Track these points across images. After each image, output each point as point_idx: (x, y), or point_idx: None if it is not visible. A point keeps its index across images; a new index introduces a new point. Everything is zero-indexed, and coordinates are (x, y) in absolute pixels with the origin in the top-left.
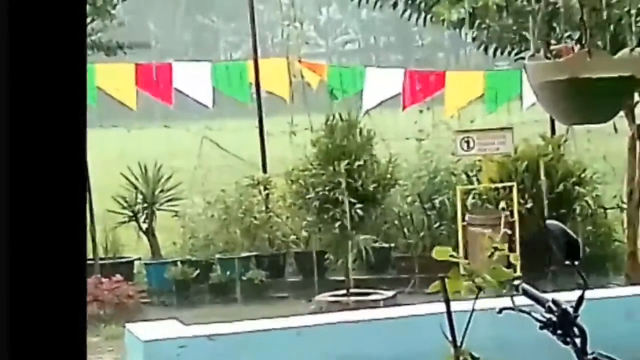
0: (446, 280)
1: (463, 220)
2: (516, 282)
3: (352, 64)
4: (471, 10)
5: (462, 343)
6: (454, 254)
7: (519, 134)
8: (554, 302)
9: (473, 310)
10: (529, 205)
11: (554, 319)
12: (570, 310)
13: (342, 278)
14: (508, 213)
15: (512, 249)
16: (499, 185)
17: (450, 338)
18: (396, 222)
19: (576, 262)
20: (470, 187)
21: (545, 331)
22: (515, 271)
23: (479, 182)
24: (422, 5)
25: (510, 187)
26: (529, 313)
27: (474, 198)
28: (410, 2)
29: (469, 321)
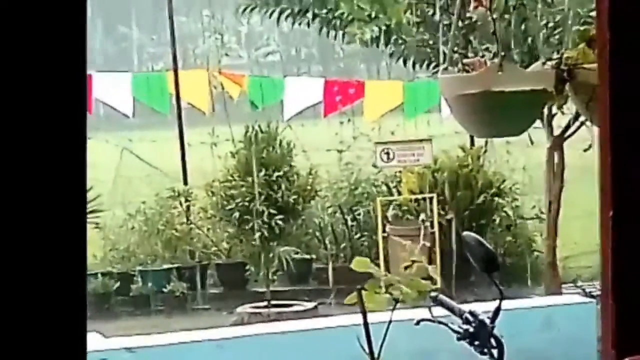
0: (363, 292)
1: (383, 231)
2: (434, 294)
3: (273, 74)
4: (385, 28)
5: (379, 355)
6: (371, 265)
7: (438, 145)
8: (471, 313)
9: (390, 321)
10: (449, 217)
11: (471, 329)
12: (487, 321)
13: (263, 289)
14: (428, 224)
15: (432, 260)
16: (419, 196)
17: (367, 350)
18: (317, 233)
19: (493, 273)
20: (390, 198)
21: (463, 342)
22: (434, 283)
23: (399, 193)
24: (338, 23)
25: (431, 198)
26: (446, 324)
27: (394, 209)
28: (326, 21)
29: (386, 332)
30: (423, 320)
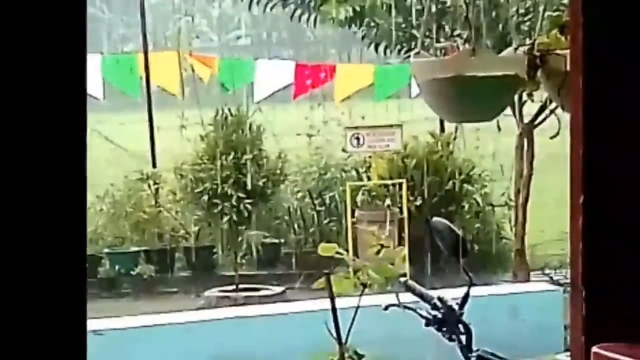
0: (331, 277)
1: (352, 216)
2: (403, 279)
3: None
4: (359, 9)
5: (347, 340)
6: (340, 250)
7: (408, 131)
8: (440, 299)
9: (358, 306)
10: (418, 203)
11: (439, 316)
12: (456, 307)
13: (232, 273)
14: (397, 210)
15: (401, 246)
16: (389, 182)
17: (335, 335)
18: (286, 217)
19: (462, 259)
20: (360, 183)
21: (431, 328)
22: (402, 268)
23: (369, 178)
24: (312, 4)
25: (400, 184)
26: (414, 310)
27: (363, 195)
28: (299, 1)
29: (353, 318)
30: (391, 305)
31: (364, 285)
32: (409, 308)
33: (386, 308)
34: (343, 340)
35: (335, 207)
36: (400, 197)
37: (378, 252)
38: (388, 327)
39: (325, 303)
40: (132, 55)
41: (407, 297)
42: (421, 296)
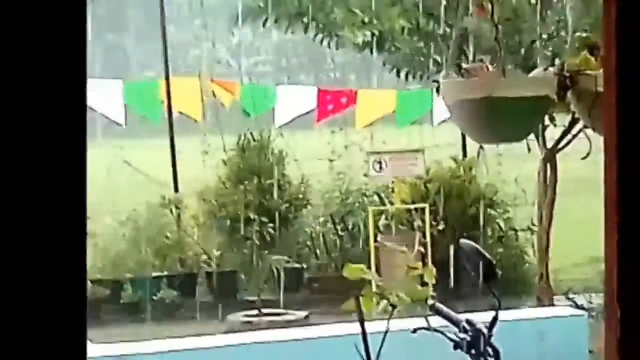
0: (360, 298)
1: (375, 241)
2: (430, 302)
3: (265, 83)
4: (378, 34)
5: None
6: (366, 271)
7: (430, 156)
8: (468, 322)
9: (387, 329)
10: (440, 227)
11: (468, 338)
12: (485, 330)
13: (255, 298)
14: (420, 234)
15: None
16: (411, 206)
17: (365, 358)
18: (308, 242)
19: (490, 282)
20: (382, 208)
21: (459, 351)
22: (429, 290)
23: (391, 203)
24: (332, 28)
25: (423, 209)
26: (443, 333)
27: (386, 219)
28: (320, 26)
29: (383, 340)
30: (420, 328)
31: (393, 307)
32: (438, 331)
33: (414, 331)
34: None
35: (358, 232)
36: (423, 221)
37: (408, 271)
38: (415, 351)
39: (351, 327)
40: (153, 81)
41: (434, 321)
42: (449, 319)
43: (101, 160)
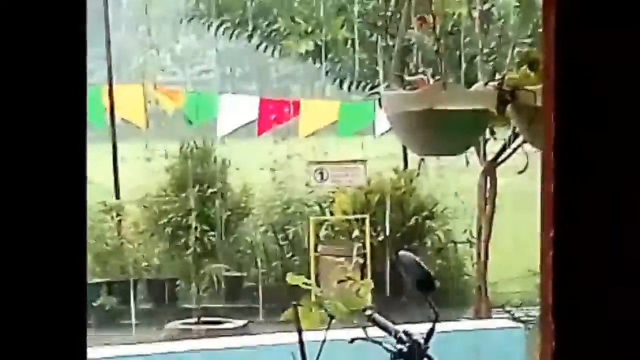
0: (299, 308)
1: (316, 250)
2: (368, 312)
3: (209, 91)
4: (320, 43)
5: None
6: (307, 280)
7: (372, 166)
8: (405, 332)
9: (325, 339)
10: (380, 238)
11: (405, 349)
12: (421, 341)
13: (194, 306)
14: (360, 244)
15: (367, 279)
16: (352, 217)
17: None
18: (249, 251)
19: (428, 294)
20: (323, 218)
21: None
22: (367, 301)
23: (332, 213)
24: (276, 37)
25: (363, 219)
26: (380, 343)
27: (327, 229)
28: (264, 34)
29: (320, 349)
30: (357, 338)
31: (331, 317)
32: (375, 341)
33: (352, 341)
34: None
35: (298, 242)
36: (363, 232)
37: (344, 281)
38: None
39: (287, 337)
40: (96, 86)
41: (372, 331)
42: (386, 329)
43: None
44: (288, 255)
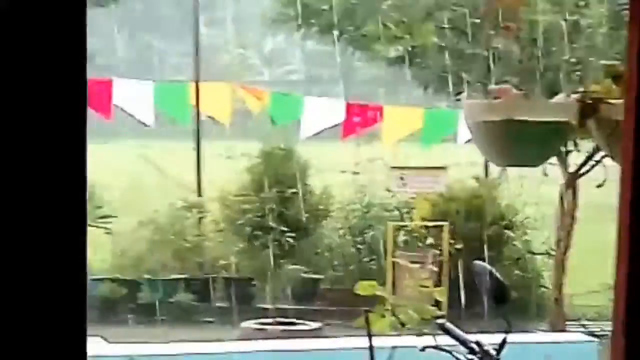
0: (370, 315)
1: (393, 256)
2: (441, 321)
3: (294, 92)
4: (410, 49)
5: None
6: (379, 288)
7: (453, 174)
8: (477, 343)
9: (395, 346)
10: (459, 246)
11: None
12: (493, 352)
13: (270, 306)
14: (438, 252)
15: (441, 287)
16: (431, 223)
17: None
18: (326, 253)
19: (501, 305)
20: (401, 223)
21: None
22: (440, 309)
23: (411, 219)
24: (362, 41)
25: (442, 227)
26: (451, 352)
27: (405, 235)
28: (351, 38)
29: (390, 357)
30: (428, 347)
31: (402, 325)
32: (446, 350)
33: (422, 349)
34: None
35: (376, 246)
36: (441, 239)
37: (418, 291)
38: None
39: (361, 341)
40: (184, 83)
41: (444, 340)
42: (458, 339)
43: (127, 161)
44: (365, 260)
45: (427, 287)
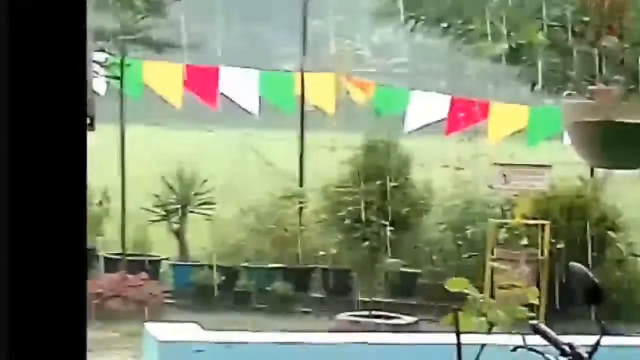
0: (459, 313)
1: (492, 253)
2: (533, 322)
3: (400, 85)
4: (515, 47)
5: None
6: (469, 286)
7: (557, 173)
8: (569, 345)
9: (483, 345)
10: (560, 245)
11: None
12: (585, 355)
13: (366, 299)
14: (537, 251)
15: (538, 288)
16: (532, 222)
17: None
18: (426, 248)
19: (595, 307)
20: (502, 221)
21: None
22: (536, 310)
23: (512, 217)
24: (469, 37)
25: (543, 225)
26: (542, 354)
27: (506, 232)
28: (458, 33)
29: (478, 355)
30: (520, 347)
31: (491, 324)
32: (537, 352)
33: (514, 349)
34: None
35: (476, 242)
36: (542, 238)
37: (508, 288)
38: None
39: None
40: (290, 73)
41: (535, 340)
42: (551, 340)
43: (231, 148)
44: (465, 256)
45: (520, 287)
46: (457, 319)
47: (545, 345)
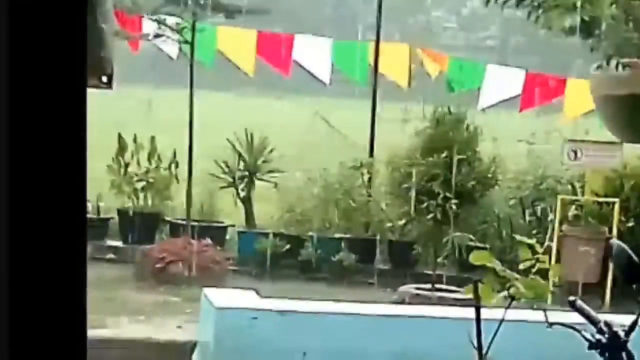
0: (480, 285)
1: (560, 230)
2: (572, 298)
3: (476, 58)
4: (588, 19)
5: (487, 351)
6: (491, 258)
7: (631, 151)
8: (606, 323)
9: (502, 319)
10: (630, 224)
11: (604, 340)
12: (622, 334)
13: (430, 272)
14: (606, 229)
15: (606, 267)
16: (602, 199)
17: (476, 344)
18: (494, 223)
19: (634, 284)
20: (572, 197)
21: (593, 352)
22: (602, 288)
23: (583, 193)
24: (544, 8)
25: (614, 204)
26: (579, 331)
27: (576, 209)
28: (535, 5)
29: (497, 330)
30: (557, 323)
31: (512, 298)
32: (574, 329)
33: (550, 325)
34: (484, 352)
35: (545, 219)
36: (612, 216)
37: (532, 265)
38: (551, 346)
39: (519, 313)
40: (363, 42)
41: (571, 317)
42: (588, 317)
43: (301, 117)
44: (534, 232)
45: (542, 261)
46: (477, 291)
47: (582, 324)
